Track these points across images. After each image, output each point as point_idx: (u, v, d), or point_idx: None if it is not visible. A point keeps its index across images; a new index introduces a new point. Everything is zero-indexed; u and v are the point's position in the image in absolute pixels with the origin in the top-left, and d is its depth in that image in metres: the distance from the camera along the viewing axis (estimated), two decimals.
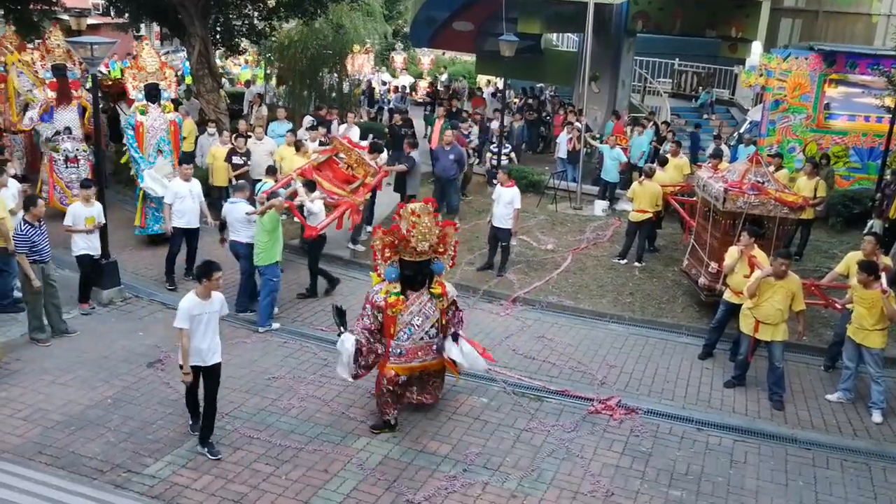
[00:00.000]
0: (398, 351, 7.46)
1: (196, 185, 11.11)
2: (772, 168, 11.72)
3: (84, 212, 9.75)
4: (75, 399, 7.74)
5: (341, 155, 11.62)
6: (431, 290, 7.57)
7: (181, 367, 6.84)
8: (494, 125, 18.68)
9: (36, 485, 6.23)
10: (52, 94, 13.28)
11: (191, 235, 11.09)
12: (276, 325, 9.82)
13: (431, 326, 7.56)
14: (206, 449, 6.95)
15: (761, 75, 15.97)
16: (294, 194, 10.49)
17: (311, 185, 10.75)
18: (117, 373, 8.34)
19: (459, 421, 7.83)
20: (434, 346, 7.64)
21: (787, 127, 15.71)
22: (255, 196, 10.42)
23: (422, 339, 7.52)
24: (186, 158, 12.92)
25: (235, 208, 10.00)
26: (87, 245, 9.84)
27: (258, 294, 10.02)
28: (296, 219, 10.76)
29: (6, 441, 6.93)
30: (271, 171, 11.42)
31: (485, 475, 6.89)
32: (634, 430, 7.80)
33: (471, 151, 16.45)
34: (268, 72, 22.80)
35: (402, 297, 7.43)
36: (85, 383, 8.07)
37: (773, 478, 7.10)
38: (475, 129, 17.46)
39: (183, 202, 10.82)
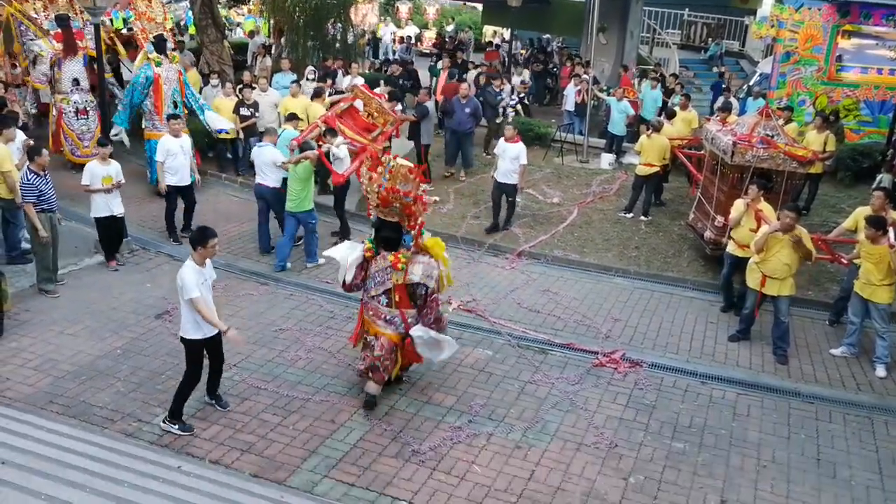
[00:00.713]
0: (363, 297, 7.29)
1: (187, 140, 10.90)
2: (781, 122, 11.57)
3: (101, 170, 9.51)
4: (85, 349, 7.81)
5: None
6: (387, 256, 7.01)
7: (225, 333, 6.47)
8: (516, 80, 18.47)
9: (48, 433, 6.30)
10: (58, 46, 13.10)
11: (185, 192, 10.87)
12: (321, 261, 10.01)
13: (382, 293, 7.05)
14: (213, 400, 7.00)
15: (773, 26, 15.69)
16: (320, 139, 10.54)
17: (332, 133, 10.70)
18: (126, 324, 8.40)
19: (464, 373, 7.89)
20: (383, 316, 7.10)
21: (797, 80, 15.47)
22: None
23: (373, 298, 7.11)
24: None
25: (264, 152, 10.26)
26: (106, 205, 9.62)
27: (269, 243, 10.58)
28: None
29: (18, 390, 7.02)
30: (293, 117, 11.51)
31: (489, 426, 6.97)
32: (638, 383, 7.86)
33: (501, 109, 16.20)
34: (271, 22, 22.44)
35: (371, 246, 7.11)
36: (94, 334, 8.14)
37: (776, 431, 7.17)
38: (507, 87, 16.92)
39: (175, 159, 10.54)
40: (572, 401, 7.47)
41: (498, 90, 16.10)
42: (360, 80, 14.47)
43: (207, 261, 6.59)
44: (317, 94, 13.14)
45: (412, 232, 7.02)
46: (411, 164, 7.07)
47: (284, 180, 10.23)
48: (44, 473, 5.41)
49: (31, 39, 13.64)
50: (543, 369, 8.04)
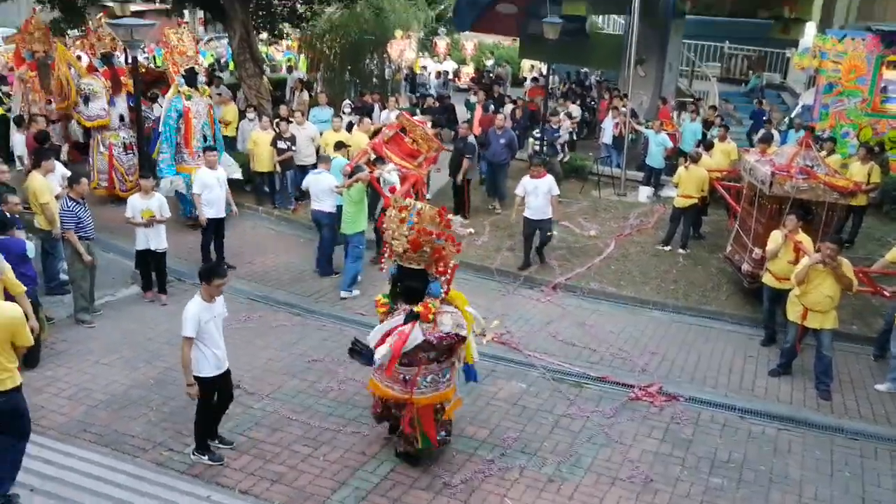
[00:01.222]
0: (377, 362, 6.27)
1: (222, 172, 10.97)
2: (823, 152, 11.34)
3: (140, 204, 9.60)
4: (119, 379, 7.89)
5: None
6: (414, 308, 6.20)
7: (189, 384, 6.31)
8: (561, 115, 18.35)
9: (79, 461, 6.37)
10: (108, 84, 13.50)
11: (218, 224, 10.94)
12: (356, 293, 10.06)
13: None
14: (217, 440, 6.80)
15: (815, 57, 15.47)
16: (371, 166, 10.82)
17: (380, 159, 11.03)
18: (160, 354, 8.47)
19: (497, 406, 7.78)
20: (402, 376, 6.30)
21: (841, 111, 15.19)
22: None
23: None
24: (229, 144, 13.02)
25: (320, 179, 10.74)
26: (146, 239, 9.67)
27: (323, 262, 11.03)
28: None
29: (52, 419, 7.10)
30: (340, 146, 11.92)
31: (522, 459, 6.84)
32: (675, 416, 7.66)
33: (558, 147, 16.01)
34: (308, 57, 22.91)
35: (388, 300, 6.45)
36: (128, 364, 8.24)
37: (818, 467, 6.91)
38: (566, 124, 16.68)
39: (211, 191, 10.60)
40: (607, 434, 7.30)
41: (555, 126, 15.82)
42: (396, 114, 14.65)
43: (220, 298, 6.44)
44: (349, 129, 13.40)
45: (441, 278, 6.37)
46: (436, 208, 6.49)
47: (339, 207, 10.55)
48: (72, 501, 5.46)
49: (80, 80, 14.11)
50: (578, 402, 7.89)
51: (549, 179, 11.37)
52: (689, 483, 6.61)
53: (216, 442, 6.82)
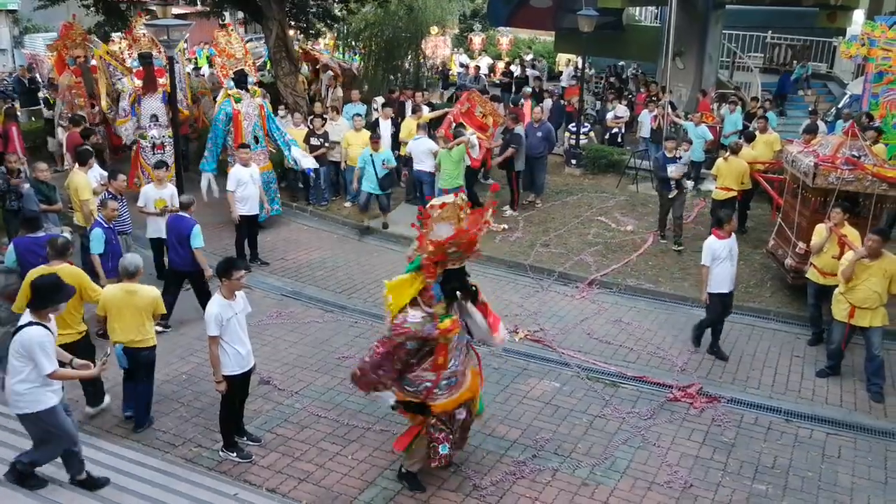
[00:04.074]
0: (453, 380, 5.94)
1: (255, 169, 11.05)
2: (868, 142, 10.87)
3: (154, 193, 9.76)
4: None
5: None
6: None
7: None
8: (609, 115, 18.05)
9: (109, 456, 6.37)
10: (138, 83, 13.62)
11: (251, 221, 11.00)
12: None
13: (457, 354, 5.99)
14: (245, 437, 6.80)
15: (863, 45, 14.85)
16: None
17: (462, 126, 12.52)
18: (192, 349, 8.47)
19: (530, 405, 7.59)
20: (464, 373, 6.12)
21: (891, 100, 14.59)
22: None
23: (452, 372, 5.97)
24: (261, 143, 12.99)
25: (420, 143, 12.70)
26: (157, 228, 9.78)
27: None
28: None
29: (84, 414, 7.10)
30: (422, 127, 13.10)
31: (555, 462, 6.65)
32: (716, 419, 7.39)
33: (673, 183, 11.78)
34: (349, 56, 22.93)
35: (455, 318, 5.89)
36: (160, 359, 8.10)
37: (871, 475, 6.59)
38: (687, 154, 12.51)
39: (245, 188, 10.71)
40: (644, 437, 7.06)
41: (672, 154, 11.87)
42: (426, 110, 14.60)
43: (240, 294, 6.41)
44: (414, 111, 14.28)
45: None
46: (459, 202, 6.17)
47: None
48: (100, 497, 5.43)
49: (119, 79, 14.29)
50: (614, 403, 7.66)
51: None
52: (730, 489, 6.35)
53: (244, 439, 6.77)
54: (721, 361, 8.58)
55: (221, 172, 13.27)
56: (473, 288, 5.98)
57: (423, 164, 12.73)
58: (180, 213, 9.05)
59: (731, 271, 8.61)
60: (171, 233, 8.88)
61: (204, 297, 8.69)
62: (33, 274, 6.21)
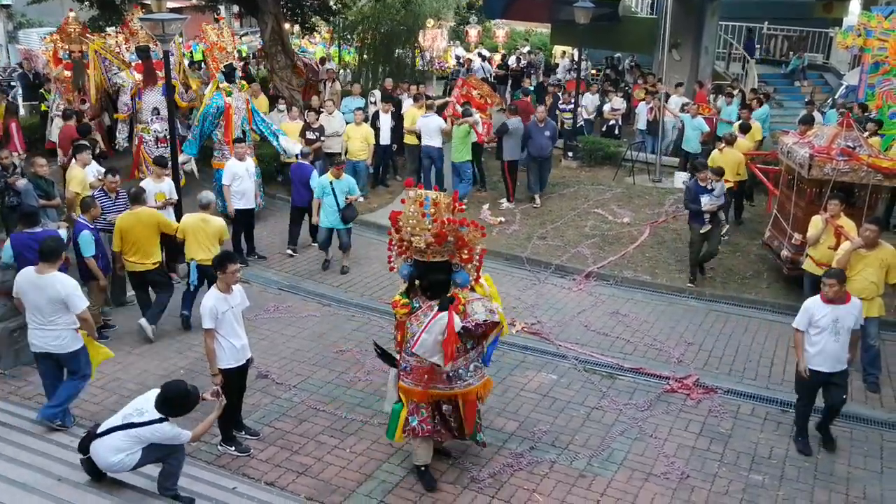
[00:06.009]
0: (404, 365, 6.10)
1: (251, 163, 11.04)
2: (866, 134, 10.89)
3: (153, 188, 9.74)
4: (150, 369, 7.92)
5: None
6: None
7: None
8: (607, 108, 17.99)
9: None
10: (139, 77, 13.55)
11: (247, 215, 10.98)
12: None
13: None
14: (243, 431, 6.79)
15: (859, 35, 14.86)
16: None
17: (467, 104, 13.70)
18: (190, 344, 8.47)
19: (527, 397, 7.61)
20: (445, 374, 5.99)
21: (888, 91, 14.58)
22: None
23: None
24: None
25: (430, 121, 13.43)
26: None
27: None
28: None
29: (84, 408, 7.11)
30: (431, 107, 13.77)
31: (552, 453, 6.67)
32: (713, 410, 7.42)
33: (708, 216, 10.23)
34: (346, 49, 22.84)
35: (406, 299, 6.07)
36: (159, 354, 8.25)
37: (867, 464, 6.62)
38: (720, 185, 10.29)
39: (241, 182, 10.70)
40: (641, 428, 7.09)
41: (705, 184, 10.15)
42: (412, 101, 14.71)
43: (237, 288, 6.41)
44: (415, 100, 14.64)
45: (468, 266, 6.01)
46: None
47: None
48: (97, 491, 5.43)
49: (115, 73, 14.20)
50: (611, 395, 7.68)
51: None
52: (727, 480, 6.38)
53: (242, 432, 6.78)
54: (717, 353, 8.60)
55: (206, 163, 13.25)
56: (449, 297, 5.83)
57: (432, 140, 13.43)
58: (301, 161, 11.25)
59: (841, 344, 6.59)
60: (295, 176, 11.22)
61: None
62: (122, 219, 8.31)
